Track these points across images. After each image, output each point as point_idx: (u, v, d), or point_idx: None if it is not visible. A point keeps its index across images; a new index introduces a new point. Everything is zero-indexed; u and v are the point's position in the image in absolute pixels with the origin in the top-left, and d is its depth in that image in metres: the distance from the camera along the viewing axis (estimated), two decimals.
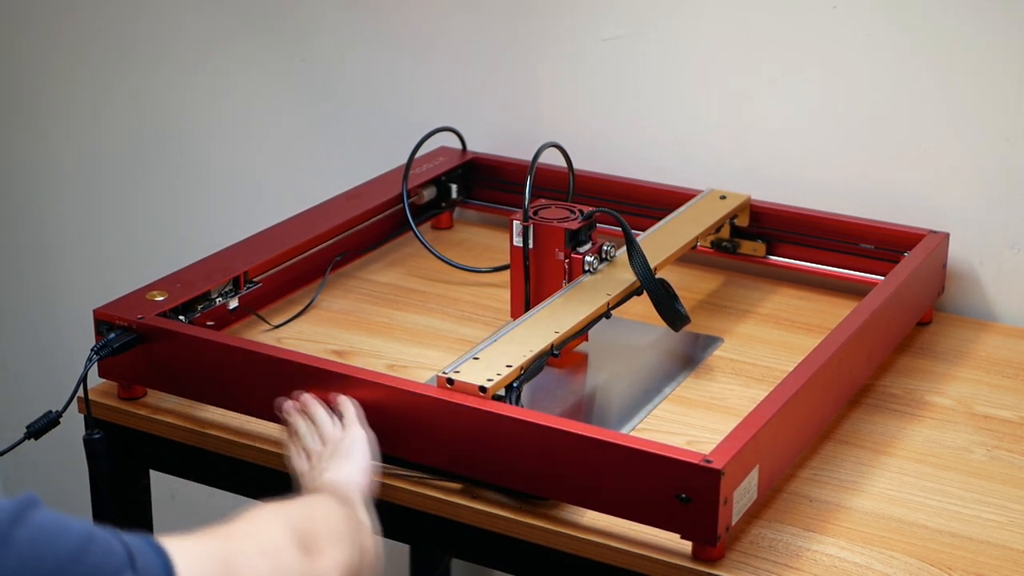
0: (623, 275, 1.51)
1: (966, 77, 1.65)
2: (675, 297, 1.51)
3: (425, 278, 1.74)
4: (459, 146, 1.91)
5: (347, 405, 1.32)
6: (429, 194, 1.84)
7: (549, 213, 1.54)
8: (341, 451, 1.27)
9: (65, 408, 1.39)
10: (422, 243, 1.75)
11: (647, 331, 1.60)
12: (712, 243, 1.75)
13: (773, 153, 1.78)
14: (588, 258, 1.52)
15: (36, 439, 1.39)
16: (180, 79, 2.17)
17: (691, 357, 1.57)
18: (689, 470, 1.18)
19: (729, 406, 1.46)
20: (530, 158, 1.56)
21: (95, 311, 1.44)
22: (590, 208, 1.54)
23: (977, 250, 1.69)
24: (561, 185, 1.75)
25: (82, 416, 1.46)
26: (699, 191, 1.76)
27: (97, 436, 1.42)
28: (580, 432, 1.23)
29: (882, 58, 1.69)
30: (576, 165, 1.71)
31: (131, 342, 1.42)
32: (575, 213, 1.54)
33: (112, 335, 1.42)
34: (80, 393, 1.43)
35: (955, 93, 1.66)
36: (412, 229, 1.75)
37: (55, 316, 2.46)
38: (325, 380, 1.33)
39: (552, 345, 1.38)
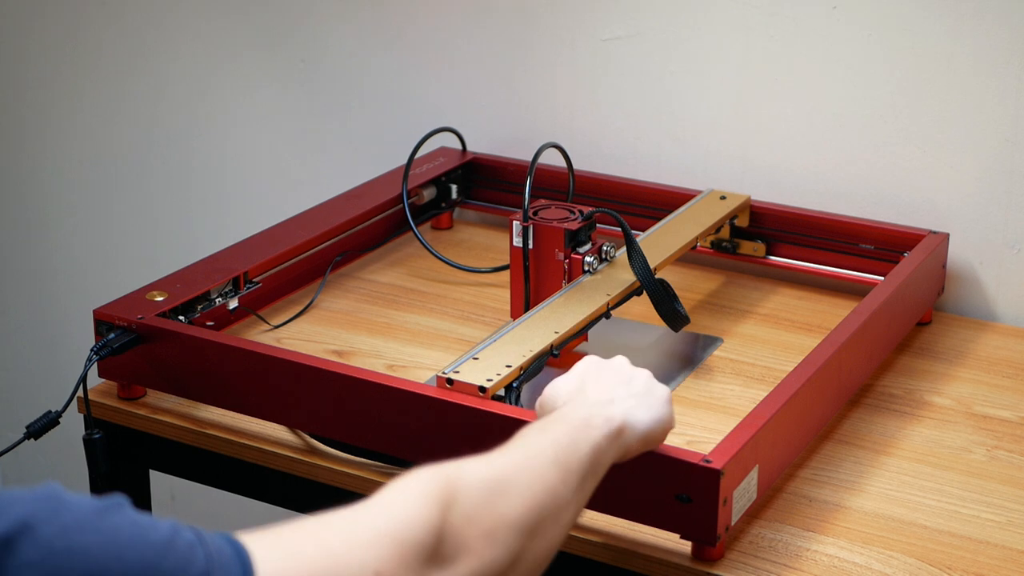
0: (623, 275, 1.51)
1: (966, 77, 1.65)
2: (675, 297, 1.51)
3: (425, 278, 1.74)
4: (459, 146, 1.91)
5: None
6: (429, 194, 1.84)
7: (549, 213, 1.54)
8: (647, 392, 1.13)
9: (65, 408, 1.39)
10: (422, 243, 1.75)
11: (647, 331, 1.60)
12: (712, 243, 1.75)
13: (773, 153, 1.78)
14: (588, 258, 1.51)
15: (36, 439, 1.39)
16: (180, 80, 2.17)
17: (691, 357, 1.57)
18: (689, 470, 1.18)
19: (729, 406, 1.46)
20: (530, 158, 1.56)
21: (95, 311, 1.44)
22: (590, 208, 1.54)
23: (977, 250, 1.69)
24: (561, 185, 1.75)
25: (82, 416, 1.46)
26: (699, 191, 1.76)
27: (97, 436, 1.42)
28: None
29: (882, 58, 1.69)
30: (576, 165, 1.71)
31: (131, 342, 1.42)
32: (575, 213, 1.54)
33: (112, 335, 1.42)
34: (80, 393, 1.43)
35: (955, 93, 1.66)
36: (412, 229, 1.75)
37: (55, 316, 2.46)
38: (325, 380, 1.33)
39: (552, 345, 1.38)
